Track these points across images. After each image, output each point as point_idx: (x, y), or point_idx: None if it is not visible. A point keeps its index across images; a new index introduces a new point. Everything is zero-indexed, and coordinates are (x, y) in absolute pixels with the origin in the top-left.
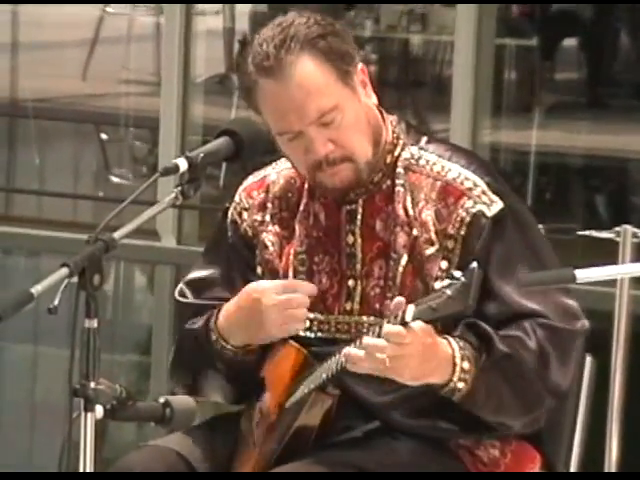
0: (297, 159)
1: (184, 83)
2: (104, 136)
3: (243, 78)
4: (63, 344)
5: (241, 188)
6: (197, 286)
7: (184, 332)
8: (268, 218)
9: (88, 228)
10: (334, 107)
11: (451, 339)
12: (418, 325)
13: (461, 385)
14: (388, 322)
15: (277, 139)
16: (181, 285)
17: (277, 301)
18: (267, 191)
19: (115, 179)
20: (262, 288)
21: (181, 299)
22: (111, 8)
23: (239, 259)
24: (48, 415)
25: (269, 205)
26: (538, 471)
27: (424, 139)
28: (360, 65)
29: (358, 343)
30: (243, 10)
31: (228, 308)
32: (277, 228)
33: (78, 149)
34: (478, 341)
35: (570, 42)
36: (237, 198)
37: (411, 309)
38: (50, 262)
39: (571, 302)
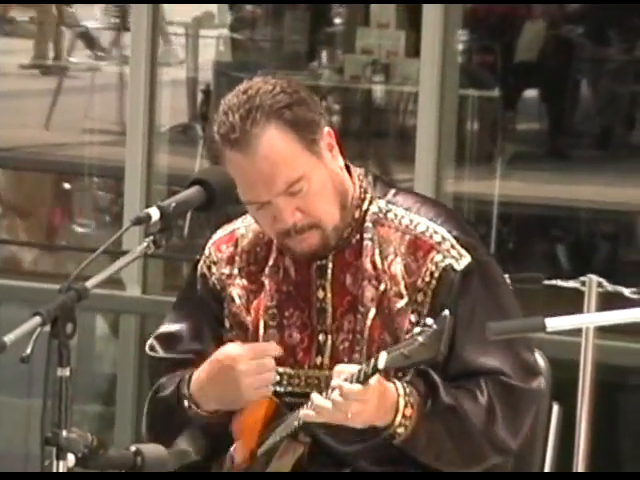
0: (265, 225)
1: (149, 132)
2: (67, 185)
3: (211, 145)
4: (23, 394)
5: (210, 242)
6: (167, 340)
7: (154, 400)
8: (236, 272)
9: (51, 277)
10: (301, 177)
11: (398, 384)
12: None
13: (401, 430)
14: (355, 377)
15: (245, 206)
16: (151, 340)
17: (251, 366)
18: (236, 245)
19: (78, 228)
20: (234, 354)
21: (152, 353)
22: (74, 58)
23: (208, 312)
24: (9, 465)
25: (237, 259)
26: None
27: (391, 191)
28: (327, 129)
29: (327, 393)
30: (207, 59)
31: (200, 376)
32: (245, 282)
33: None
34: (425, 389)
35: (531, 93)
36: (207, 252)
37: (383, 356)
38: (12, 311)
39: (531, 357)
